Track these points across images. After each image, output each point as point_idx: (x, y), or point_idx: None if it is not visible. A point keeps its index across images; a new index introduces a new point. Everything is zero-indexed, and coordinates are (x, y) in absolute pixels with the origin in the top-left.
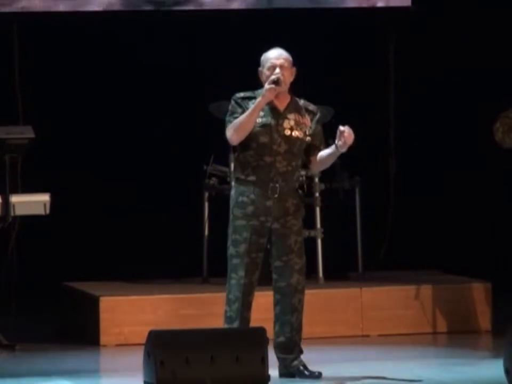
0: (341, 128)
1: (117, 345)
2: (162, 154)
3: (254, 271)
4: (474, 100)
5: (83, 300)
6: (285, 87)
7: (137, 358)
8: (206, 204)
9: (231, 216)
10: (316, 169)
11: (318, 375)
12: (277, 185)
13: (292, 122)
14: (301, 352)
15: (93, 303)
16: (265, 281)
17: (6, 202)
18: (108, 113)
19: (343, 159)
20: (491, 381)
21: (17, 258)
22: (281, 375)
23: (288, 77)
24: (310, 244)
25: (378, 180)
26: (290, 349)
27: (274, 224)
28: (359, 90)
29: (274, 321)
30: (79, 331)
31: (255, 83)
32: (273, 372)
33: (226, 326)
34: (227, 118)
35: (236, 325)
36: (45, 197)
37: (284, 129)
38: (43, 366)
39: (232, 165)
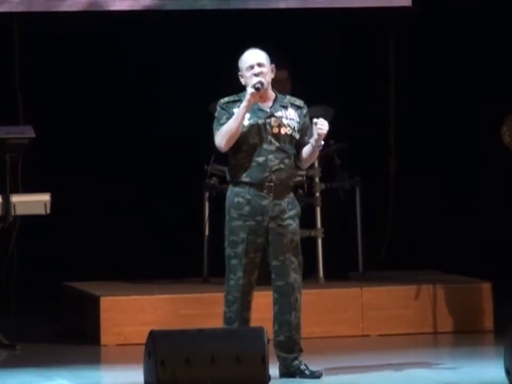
0: (314, 120)
1: (117, 345)
2: (162, 154)
3: (253, 271)
4: (474, 99)
5: (83, 300)
6: (267, 85)
7: (137, 358)
8: (206, 204)
9: (227, 218)
10: (303, 165)
11: (319, 375)
12: (272, 184)
13: (280, 120)
14: (301, 350)
15: (93, 303)
16: (265, 280)
17: (7, 202)
18: (108, 113)
19: (343, 159)
20: (492, 381)
21: (17, 258)
22: (282, 375)
23: (269, 75)
24: (310, 243)
25: (378, 180)
26: (290, 348)
27: (270, 224)
28: (359, 90)
29: (273, 321)
30: (79, 331)
31: None
32: (274, 371)
33: (225, 327)
34: (214, 126)
35: (235, 325)
36: (46, 197)
37: (272, 127)
38: (43, 366)
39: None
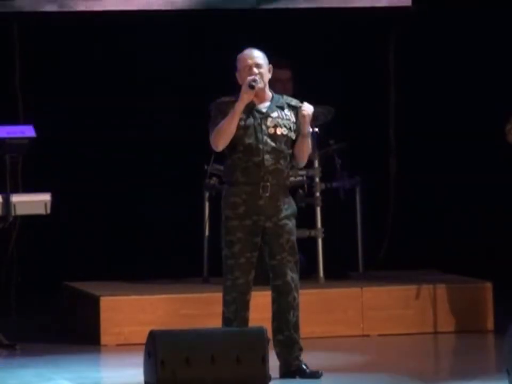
0: (299, 104)
1: (117, 345)
2: (163, 154)
3: (250, 271)
4: (474, 99)
5: (83, 300)
6: (263, 85)
7: (137, 358)
8: (206, 204)
9: (223, 218)
10: (298, 162)
11: (319, 375)
12: (268, 183)
13: (275, 120)
14: (301, 350)
15: (93, 303)
16: (263, 280)
17: (7, 202)
18: (108, 113)
19: (343, 159)
20: (492, 381)
21: (17, 258)
22: (282, 374)
23: (266, 75)
24: (310, 243)
25: (378, 180)
26: (289, 347)
27: (267, 223)
28: (359, 90)
29: (272, 320)
30: (79, 331)
31: None
32: (274, 371)
33: (224, 327)
34: (210, 125)
35: (234, 325)
36: (46, 197)
37: (268, 127)
38: (43, 366)
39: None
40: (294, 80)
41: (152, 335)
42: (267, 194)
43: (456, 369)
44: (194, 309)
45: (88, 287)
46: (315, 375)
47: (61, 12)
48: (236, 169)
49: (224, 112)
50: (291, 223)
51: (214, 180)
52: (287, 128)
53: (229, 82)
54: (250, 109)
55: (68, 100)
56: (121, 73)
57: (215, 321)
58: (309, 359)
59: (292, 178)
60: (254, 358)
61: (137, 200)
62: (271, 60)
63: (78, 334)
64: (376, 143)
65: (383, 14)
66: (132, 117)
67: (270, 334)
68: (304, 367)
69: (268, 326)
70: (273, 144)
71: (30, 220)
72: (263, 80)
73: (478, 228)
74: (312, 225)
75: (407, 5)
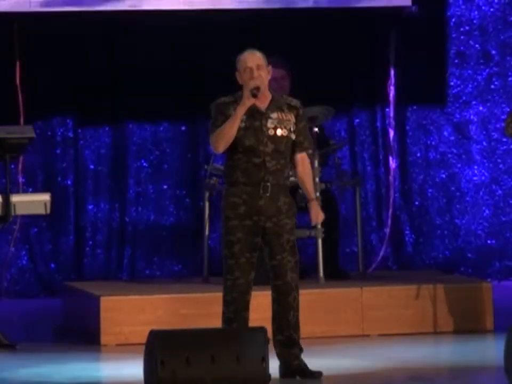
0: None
1: (118, 345)
2: (163, 154)
3: (250, 271)
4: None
5: (84, 300)
6: (263, 87)
7: (137, 357)
8: (206, 204)
9: (223, 218)
10: (296, 173)
11: (319, 375)
12: (268, 183)
13: (276, 121)
14: (301, 350)
15: (94, 303)
16: (264, 280)
17: (7, 202)
18: (108, 113)
19: (343, 159)
20: (492, 380)
21: (17, 257)
22: (282, 374)
23: (265, 76)
24: (310, 243)
25: (378, 179)
26: (289, 347)
27: (267, 223)
28: (359, 90)
29: (272, 320)
30: (79, 331)
31: None
32: (274, 371)
33: (224, 327)
34: (210, 127)
35: (234, 326)
36: (46, 197)
37: (268, 129)
38: (43, 366)
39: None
40: (290, 79)
41: (152, 335)
42: (267, 194)
43: (456, 369)
44: (194, 308)
45: (88, 287)
46: (315, 375)
47: (61, 12)
48: (236, 170)
49: (224, 114)
50: (291, 223)
51: (214, 180)
52: (287, 129)
53: (228, 82)
54: (251, 110)
55: (69, 99)
56: (121, 73)
57: (215, 321)
58: (309, 359)
59: (292, 178)
60: (254, 358)
61: (137, 199)
62: (267, 59)
63: (78, 334)
64: (376, 143)
65: (383, 14)
66: (132, 116)
67: (270, 334)
68: (304, 367)
69: (268, 326)
70: (273, 145)
71: (30, 220)
72: (264, 83)
73: (478, 227)
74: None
75: (407, 5)
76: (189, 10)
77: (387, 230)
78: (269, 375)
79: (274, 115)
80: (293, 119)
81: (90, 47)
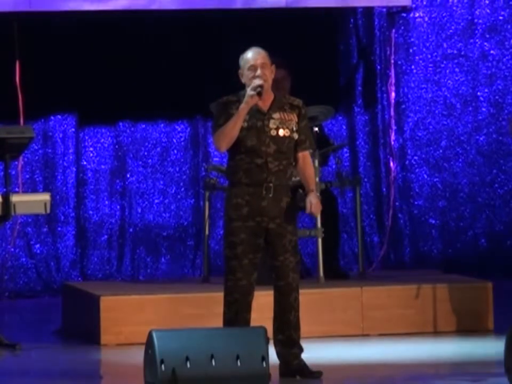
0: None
1: (118, 344)
2: (163, 154)
3: (252, 272)
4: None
5: (84, 299)
6: (267, 86)
7: (137, 357)
8: (206, 204)
9: (226, 219)
10: (297, 172)
11: (318, 375)
12: (271, 184)
13: (278, 122)
14: (301, 349)
15: (94, 303)
16: (265, 280)
17: (7, 202)
18: (108, 112)
19: (343, 159)
20: (492, 380)
21: (17, 257)
22: (282, 374)
23: (269, 75)
24: (310, 243)
25: (378, 179)
26: (289, 347)
27: (270, 224)
28: (359, 90)
29: (273, 320)
30: (79, 330)
31: None
32: (274, 371)
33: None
34: (212, 126)
35: (235, 326)
36: (46, 196)
37: (270, 129)
38: (43, 366)
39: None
40: (290, 79)
41: (152, 335)
42: (270, 195)
43: (456, 369)
44: (194, 308)
45: (88, 286)
46: (315, 374)
47: (61, 12)
48: (238, 170)
49: (227, 113)
50: (293, 224)
51: (214, 180)
52: (289, 130)
53: (228, 82)
54: (253, 110)
55: (68, 99)
56: (122, 73)
57: (215, 321)
58: (309, 359)
59: (294, 179)
60: (254, 358)
61: (138, 199)
62: None
63: (79, 333)
64: (376, 143)
65: (383, 14)
66: (132, 116)
67: (270, 334)
68: (304, 366)
69: (268, 326)
70: (275, 146)
71: (30, 219)
72: (267, 83)
73: (478, 227)
74: (312, 225)
75: (407, 5)
76: (189, 10)
77: (387, 230)
78: (269, 375)
79: (276, 115)
80: (295, 119)
81: (90, 47)
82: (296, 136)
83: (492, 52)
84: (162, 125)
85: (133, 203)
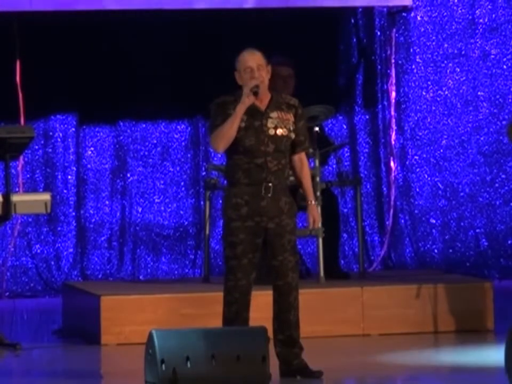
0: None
1: (118, 344)
2: (163, 153)
3: (251, 272)
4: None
5: (84, 299)
6: (263, 86)
7: (138, 357)
8: (207, 203)
9: (225, 219)
10: (294, 173)
11: (319, 375)
12: (270, 184)
13: (276, 121)
14: (302, 349)
15: (94, 303)
16: (265, 280)
17: (7, 201)
18: (109, 112)
19: (343, 158)
20: (492, 380)
21: (17, 257)
22: (282, 374)
23: (266, 76)
24: (310, 243)
25: (379, 179)
26: (290, 346)
27: (269, 224)
28: (359, 90)
29: (273, 319)
30: (80, 330)
31: None
32: (274, 371)
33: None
34: (209, 126)
35: (235, 326)
36: (46, 196)
37: (269, 128)
38: (43, 366)
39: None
40: (295, 77)
41: (153, 335)
42: (269, 195)
43: (456, 369)
44: (195, 308)
45: (89, 286)
46: (315, 374)
47: (61, 12)
48: (237, 170)
49: (224, 113)
50: (293, 223)
51: (214, 180)
52: (286, 129)
53: (228, 82)
54: (251, 110)
55: (68, 98)
56: (122, 73)
57: (215, 321)
58: (309, 359)
59: (292, 178)
60: (254, 358)
61: (138, 199)
62: (272, 58)
63: (79, 333)
64: (376, 143)
65: (383, 14)
66: (132, 115)
67: (270, 333)
68: (305, 366)
69: (268, 326)
70: (274, 145)
71: (31, 219)
72: (264, 83)
73: (478, 227)
74: None
75: (407, 5)
76: (190, 10)
77: (387, 230)
78: (269, 374)
79: (274, 114)
80: (292, 118)
81: (90, 46)
82: (293, 135)
83: (492, 51)
84: (162, 125)
85: (133, 203)
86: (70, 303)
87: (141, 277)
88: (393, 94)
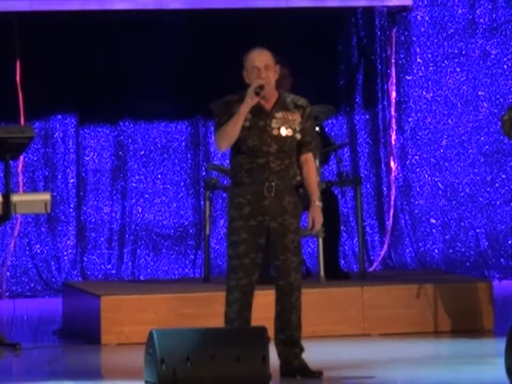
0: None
1: (118, 344)
2: (163, 154)
3: (254, 272)
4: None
5: (84, 299)
6: (270, 87)
7: (138, 357)
8: (207, 203)
9: (228, 218)
10: (301, 173)
11: (319, 375)
12: (273, 183)
13: (280, 121)
14: (302, 349)
15: (94, 302)
16: (265, 280)
17: (7, 201)
18: (109, 112)
19: (343, 159)
20: (492, 380)
21: (17, 257)
22: (282, 374)
23: (273, 76)
24: (310, 243)
25: (379, 179)
26: (290, 346)
27: (272, 223)
28: (359, 90)
29: (275, 319)
30: (80, 330)
31: None
32: (274, 371)
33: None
34: (215, 125)
35: (236, 325)
36: (46, 196)
37: (272, 129)
38: (43, 366)
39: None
40: (291, 78)
41: (153, 334)
42: (272, 194)
43: (456, 369)
44: (195, 308)
45: (89, 286)
46: (315, 374)
47: (61, 12)
48: (240, 170)
49: (229, 112)
50: (296, 223)
51: (214, 179)
52: (292, 129)
53: (228, 82)
54: (255, 110)
55: (68, 98)
56: (122, 73)
57: (215, 321)
58: (310, 359)
59: (299, 178)
60: (254, 357)
61: (138, 199)
62: None
63: (79, 333)
64: (376, 143)
65: (382, 14)
66: (132, 115)
67: (271, 333)
68: (305, 366)
69: (268, 326)
70: (277, 145)
71: (31, 219)
72: (270, 83)
73: (478, 227)
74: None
75: (407, 5)
76: (190, 10)
77: (388, 230)
78: (270, 374)
79: (279, 115)
80: (298, 119)
81: (90, 46)
82: (299, 136)
83: (492, 51)
84: (162, 125)
85: (133, 203)
86: (70, 303)
87: (141, 277)
88: (393, 94)
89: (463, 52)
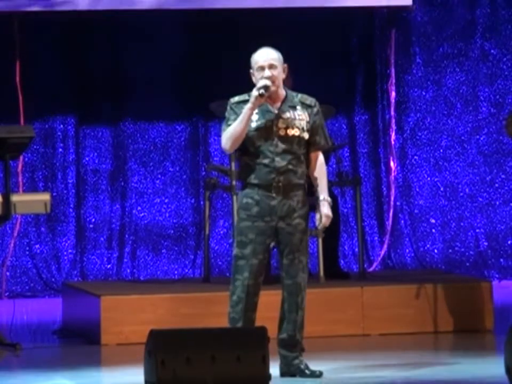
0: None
1: (118, 344)
2: (163, 153)
3: (261, 273)
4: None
5: (84, 299)
6: (275, 87)
7: (138, 357)
8: (207, 203)
9: (236, 218)
10: (309, 172)
11: (319, 375)
12: (280, 184)
13: (287, 121)
14: (303, 350)
15: (94, 302)
16: (265, 280)
17: (7, 201)
18: (109, 112)
19: (343, 159)
20: (492, 380)
21: (17, 257)
22: (282, 374)
23: (280, 76)
24: (310, 243)
25: (379, 179)
26: (292, 346)
27: (279, 223)
28: (359, 90)
29: (280, 318)
30: (80, 330)
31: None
32: (275, 371)
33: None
34: (223, 126)
35: (239, 325)
36: (46, 196)
37: (279, 129)
38: (43, 366)
39: (233, 165)
40: (291, 78)
41: (153, 334)
42: (279, 194)
43: (456, 369)
44: (195, 308)
45: (89, 286)
46: (315, 374)
47: (61, 12)
48: (248, 171)
49: (236, 113)
50: (304, 223)
51: (214, 179)
52: (299, 129)
53: (228, 82)
54: (262, 110)
55: (68, 99)
56: (122, 73)
57: (215, 321)
58: (309, 359)
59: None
60: (255, 358)
61: (138, 199)
62: None
63: (79, 333)
64: (376, 143)
65: (383, 14)
66: (132, 115)
67: (271, 333)
68: (304, 366)
69: (270, 325)
70: (284, 145)
71: (31, 219)
72: (275, 83)
73: (478, 227)
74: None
75: (407, 5)
76: (190, 10)
77: (387, 230)
78: (270, 375)
79: (286, 115)
80: (306, 118)
81: (90, 46)
82: (307, 135)
83: (492, 51)
84: (162, 125)
85: (133, 203)
86: (70, 303)
87: (141, 277)
88: (393, 94)
89: (463, 52)
